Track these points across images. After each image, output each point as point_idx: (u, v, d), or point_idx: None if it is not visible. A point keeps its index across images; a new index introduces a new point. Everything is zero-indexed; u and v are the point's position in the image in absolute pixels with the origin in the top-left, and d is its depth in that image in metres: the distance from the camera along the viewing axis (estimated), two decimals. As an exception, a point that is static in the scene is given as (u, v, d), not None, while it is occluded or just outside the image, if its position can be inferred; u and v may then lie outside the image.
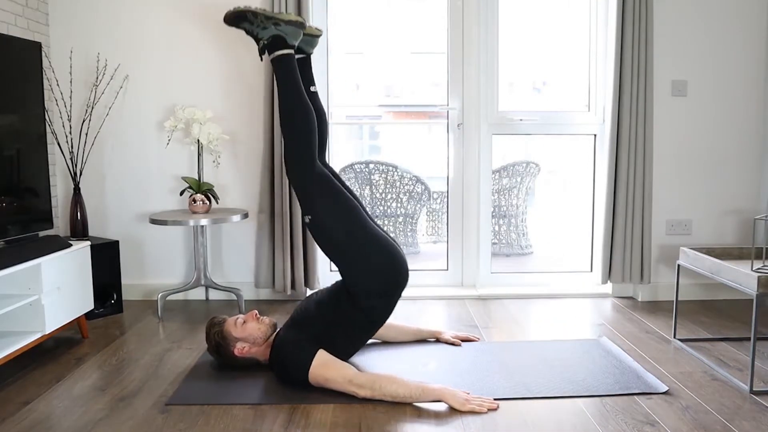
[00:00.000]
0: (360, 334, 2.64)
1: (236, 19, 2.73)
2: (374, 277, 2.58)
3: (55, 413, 2.29)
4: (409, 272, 2.68)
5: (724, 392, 2.44)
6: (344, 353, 2.59)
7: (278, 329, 2.66)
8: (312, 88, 2.88)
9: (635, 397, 2.39)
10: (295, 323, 2.59)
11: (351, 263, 2.59)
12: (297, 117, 2.62)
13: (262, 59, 2.86)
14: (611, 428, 2.15)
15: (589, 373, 2.61)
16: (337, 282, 2.69)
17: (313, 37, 2.90)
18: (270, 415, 2.25)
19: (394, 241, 2.72)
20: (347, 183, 4.93)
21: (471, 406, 2.27)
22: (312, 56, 2.97)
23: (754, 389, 2.44)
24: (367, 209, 4.97)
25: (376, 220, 4.94)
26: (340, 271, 2.63)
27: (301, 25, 2.73)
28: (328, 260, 3.91)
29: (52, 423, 2.22)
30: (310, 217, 2.60)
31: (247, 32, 2.75)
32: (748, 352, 2.86)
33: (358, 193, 4.99)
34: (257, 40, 2.74)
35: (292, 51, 2.70)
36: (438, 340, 3.03)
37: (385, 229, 2.76)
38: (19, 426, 2.19)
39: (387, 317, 2.67)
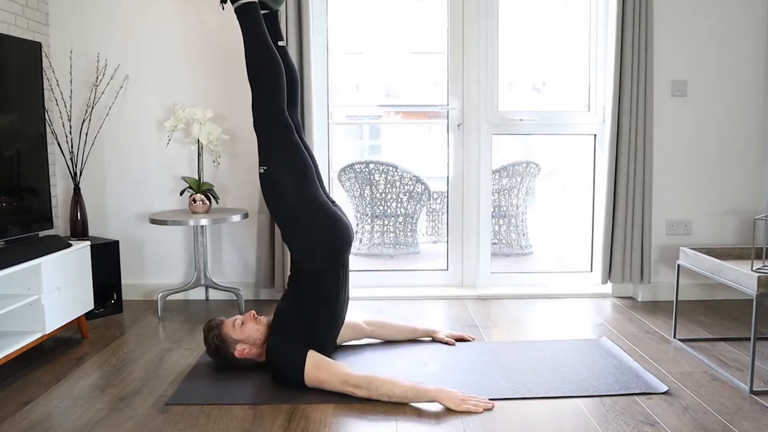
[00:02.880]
0: (326, 304, 2.58)
1: None
2: (316, 239, 2.56)
3: (55, 413, 2.29)
4: (353, 237, 2.67)
5: (724, 392, 2.44)
6: (326, 331, 2.60)
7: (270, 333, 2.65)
8: (280, 43, 2.87)
9: (635, 397, 2.39)
10: (275, 327, 2.58)
11: (294, 222, 2.56)
12: (264, 70, 2.61)
13: (223, 8, 2.82)
14: (611, 428, 2.15)
15: (589, 373, 2.61)
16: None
17: None
18: (270, 415, 2.25)
19: (339, 208, 2.72)
20: (348, 182, 4.96)
21: (467, 406, 2.27)
22: (278, 12, 2.94)
23: (754, 389, 2.44)
24: (368, 209, 5.00)
25: (377, 221, 4.97)
26: (282, 231, 2.61)
27: None
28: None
29: (52, 423, 2.22)
30: (265, 167, 2.59)
31: None
32: (748, 352, 2.86)
33: (358, 193, 5.00)
34: None
35: (255, 0, 2.67)
36: (433, 339, 3.03)
37: (337, 203, 2.78)
38: (19, 426, 2.19)
39: (339, 283, 2.61)
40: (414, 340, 3.03)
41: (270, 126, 2.62)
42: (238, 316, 2.63)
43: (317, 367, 2.40)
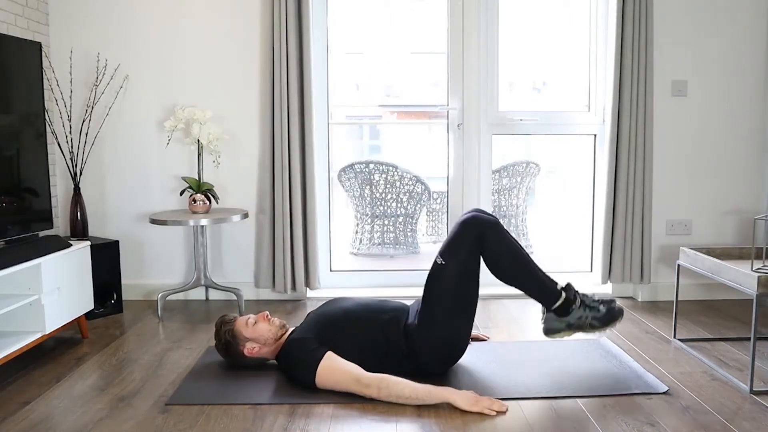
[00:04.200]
0: (373, 363, 2.50)
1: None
2: (448, 341, 2.53)
3: (55, 413, 2.29)
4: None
5: (724, 392, 2.44)
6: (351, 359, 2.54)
7: (293, 329, 2.64)
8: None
9: (635, 397, 2.39)
10: (314, 324, 2.54)
11: (442, 320, 2.50)
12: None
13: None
14: (611, 428, 2.15)
15: (589, 373, 2.61)
16: (391, 315, 2.58)
17: None
18: (270, 415, 2.25)
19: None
20: (348, 182, 4.96)
21: (479, 406, 2.26)
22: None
23: (754, 389, 2.44)
24: (368, 209, 5.00)
25: (377, 221, 4.97)
26: (425, 320, 2.52)
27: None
28: (328, 260, 3.91)
29: (52, 423, 2.22)
30: (444, 262, 2.52)
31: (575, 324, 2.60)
32: (748, 352, 2.86)
33: (358, 193, 5.00)
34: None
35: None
36: None
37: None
38: (19, 426, 2.19)
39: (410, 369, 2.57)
40: None
41: (482, 232, 2.51)
42: (252, 315, 2.62)
43: (331, 365, 2.38)
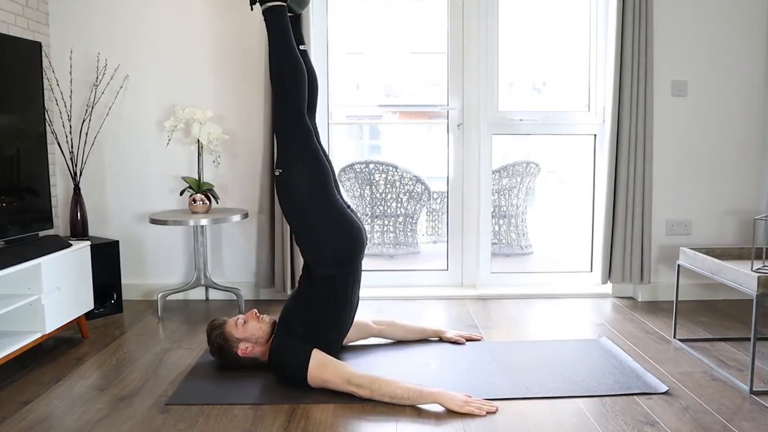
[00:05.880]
0: (335, 308, 2.59)
1: None
2: (329, 243, 2.55)
3: (55, 413, 2.29)
4: (366, 242, 2.66)
5: (724, 392, 2.44)
6: (334, 333, 2.61)
7: (274, 332, 2.65)
8: (301, 47, 2.87)
9: (635, 397, 2.39)
10: (282, 325, 2.58)
11: (308, 225, 2.56)
12: (286, 71, 2.60)
13: (252, 9, 2.84)
14: (611, 428, 2.15)
15: (589, 373, 2.61)
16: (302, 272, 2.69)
17: None
18: (270, 415, 2.25)
19: (354, 213, 2.71)
20: (348, 182, 4.96)
21: (469, 408, 2.26)
22: (301, 15, 2.92)
23: (754, 389, 2.44)
24: (368, 209, 5.00)
25: (377, 221, 4.97)
26: (295, 234, 2.61)
27: None
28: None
29: (52, 423, 2.22)
30: (281, 170, 2.58)
31: None
32: (748, 352, 2.86)
33: (358, 193, 5.00)
34: None
35: (284, 3, 2.67)
36: (441, 339, 3.03)
37: (352, 208, 2.77)
38: (19, 426, 2.19)
39: (351, 287, 2.62)
40: (419, 340, 3.03)
41: (289, 129, 2.61)
42: (241, 316, 2.63)
43: (321, 366, 2.40)
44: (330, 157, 2.80)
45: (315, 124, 2.85)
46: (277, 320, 2.64)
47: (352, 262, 2.62)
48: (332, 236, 2.56)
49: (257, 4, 2.73)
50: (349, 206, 2.73)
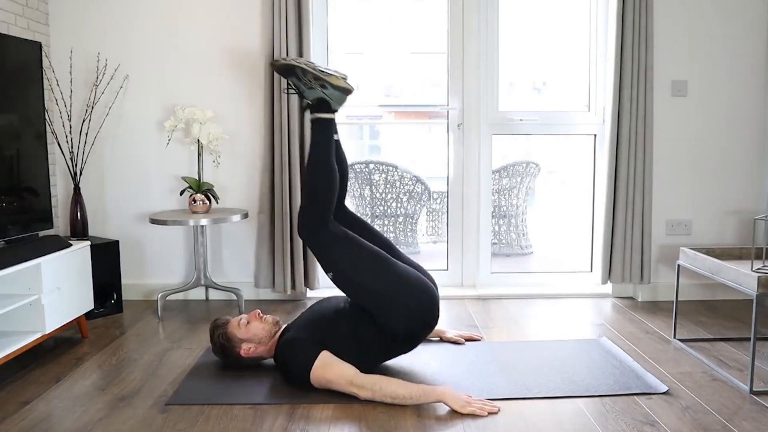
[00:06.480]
0: (374, 357, 2.55)
1: (285, 70, 2.68)
2: (404, 320, 2.50)
3: (55, 413, 2.29)
4: (438, 304, 2.60)
5: (724, 392, 2.44)
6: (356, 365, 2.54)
7: (286, 326, 2.65)
8: (335, 136, 2.78)
9: (635, 397, 2.39)
10: (308, 324, 2.55)
11: (381, 308, 2.49)
12: (319, 178, 2.57)
13: (303, 115, 2.82)
14: (611, 428, 2.15)
15: (589, 373, 2.61)
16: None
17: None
18: (270, 415, 2.25)
19: (426, 274, 2.67)
20: (348, 183, 4.95)
21: (471, 408, 2.26)
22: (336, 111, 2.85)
23: (754, 389, 2.44)
24: (368, 209, 5.00)
25: (377, 221, 4.97)
26: (374, 314, 2.51)
27: (348, 92, 2.66)
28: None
29: (52, 423, 2.22)
30: (332, 273, 2.54)
31: (293, 86, 2.69)
32: (748, 352, 2.86)
33: (358, 193, 5.00)
34: (301, 97, 2.70)
35: (333, 117, 2.66)
36: (441, 339, 3.03)
37: (413, 260, 2.73)
38: (19, 426, 2.19)
39: (408, 350, 2.61)
40: None
41: (312, 231, 2.56)
42: (243, 315, 2.63)
43: (325, 366, 2.39)
44: (374, 229, 2.79)
45: (347, 209, 2.82)
46: (307, 316, 2.61)
47: (425, 332, 2.58)
48: (408, 313, 2.50)
49: (308, 111, 2.71)
50: (411, 263, 2.69)
